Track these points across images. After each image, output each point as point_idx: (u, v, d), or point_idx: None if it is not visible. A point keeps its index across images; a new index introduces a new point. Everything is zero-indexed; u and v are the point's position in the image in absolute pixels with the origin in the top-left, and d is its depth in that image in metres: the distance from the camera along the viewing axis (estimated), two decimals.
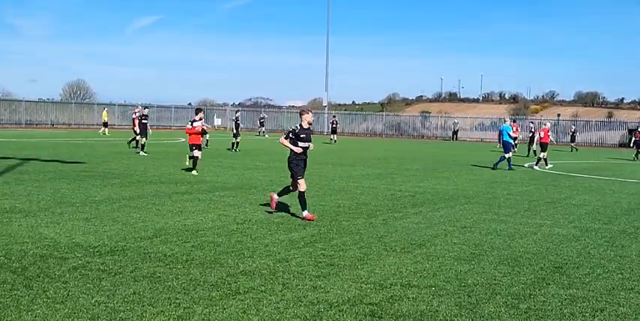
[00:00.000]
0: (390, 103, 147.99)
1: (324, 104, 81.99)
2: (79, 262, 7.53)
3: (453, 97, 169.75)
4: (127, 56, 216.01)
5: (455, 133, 68.40)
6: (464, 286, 7.07)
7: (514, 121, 36.32)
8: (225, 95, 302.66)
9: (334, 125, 51.93)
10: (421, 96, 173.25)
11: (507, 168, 24.58)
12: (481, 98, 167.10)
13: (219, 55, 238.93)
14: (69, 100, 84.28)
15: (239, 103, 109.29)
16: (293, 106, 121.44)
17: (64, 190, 14.05)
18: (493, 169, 24.56)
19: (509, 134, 25.86)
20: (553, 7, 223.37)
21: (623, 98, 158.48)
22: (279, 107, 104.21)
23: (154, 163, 22.05)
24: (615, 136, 66.90)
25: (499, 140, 26.24)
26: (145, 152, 26.49)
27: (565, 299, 6.66)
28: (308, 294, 6.51)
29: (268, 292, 6.53)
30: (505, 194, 16.27)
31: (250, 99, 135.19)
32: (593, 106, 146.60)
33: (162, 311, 5.77)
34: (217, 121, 72.79)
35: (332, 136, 50.45)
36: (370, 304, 6.24)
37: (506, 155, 25.21)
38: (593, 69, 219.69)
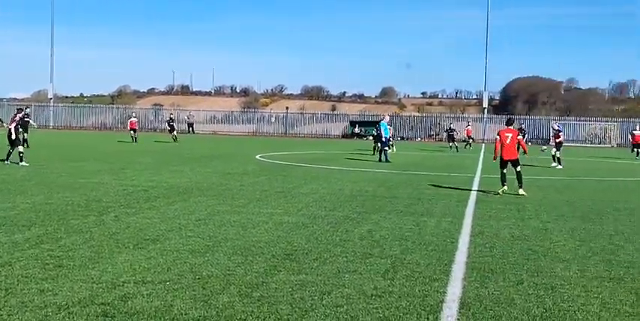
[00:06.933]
0: (120, 96, 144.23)
1: (49, 96, 77.67)
2: None
3: (185, 90, 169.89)
4: None
5: (190, 125, 68.10)
6: (199, 278, 7.09)
7: None
8: None
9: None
10: (153, 88, 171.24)
11: None
12: (213, 91, 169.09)
13: None
14: None
15: None
16: (15, 99, 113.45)
17: None
18: None
19: None
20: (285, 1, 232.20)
21: (345, 92, 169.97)
22: (0, 100, 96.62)
23: None
24: (339, 127, 73.14)
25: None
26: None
27: (295, 285, 6.94)
28: (34, 298, 6.12)
29: None
30: (238, 186, 16.59)
31: None
32: (318, 99, 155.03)
33: None
34: None
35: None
36: (102, 304, 6.03)
37: None
38: (317, 64, 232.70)
